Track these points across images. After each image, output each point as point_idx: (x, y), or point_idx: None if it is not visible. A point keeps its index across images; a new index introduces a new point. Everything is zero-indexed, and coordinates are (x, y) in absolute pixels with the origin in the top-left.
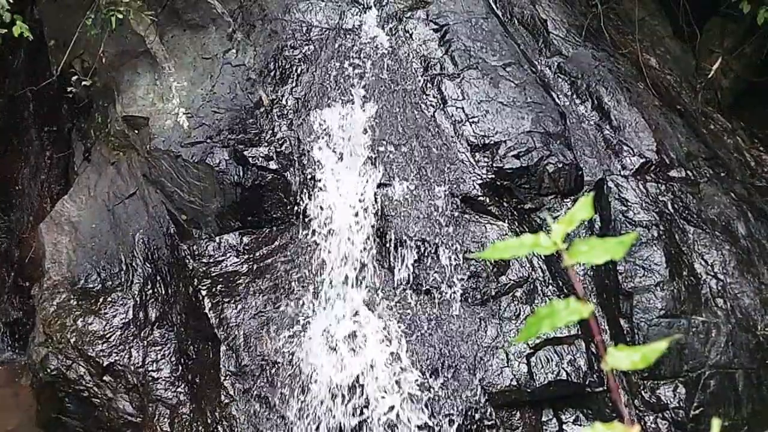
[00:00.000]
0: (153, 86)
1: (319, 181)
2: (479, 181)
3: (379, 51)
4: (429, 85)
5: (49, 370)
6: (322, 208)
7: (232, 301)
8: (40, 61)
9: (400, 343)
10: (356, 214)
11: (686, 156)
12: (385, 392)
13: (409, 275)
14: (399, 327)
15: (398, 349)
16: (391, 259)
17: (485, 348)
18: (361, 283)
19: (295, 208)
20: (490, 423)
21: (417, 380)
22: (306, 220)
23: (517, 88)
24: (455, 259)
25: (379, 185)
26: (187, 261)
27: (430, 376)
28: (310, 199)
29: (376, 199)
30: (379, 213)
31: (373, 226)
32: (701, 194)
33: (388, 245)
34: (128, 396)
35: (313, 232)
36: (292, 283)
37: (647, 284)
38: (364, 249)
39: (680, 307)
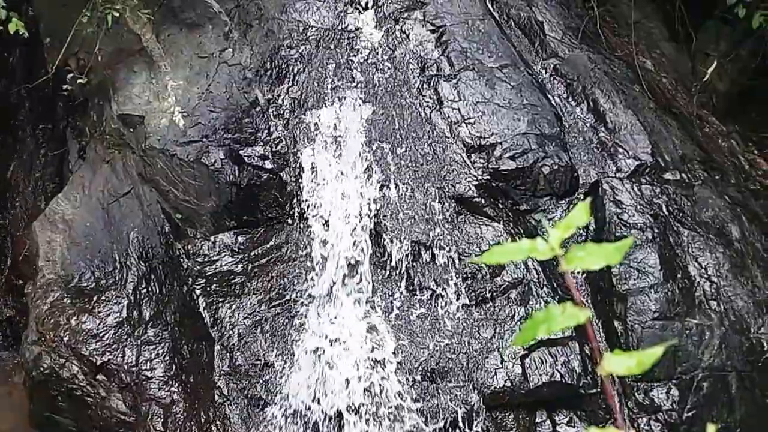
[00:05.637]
0: (149, 85)
1: (315, 181)
2: (475, 183)
3: (375, 52)
4: (425, 86)
5: (42, 369)
6: (317, 208)
7: (227, 301)
8: (35, 59)
9: (394, 344)
10: (352, 215)
11: (681, 159)
12: (378, 393)
13: (404, 276)
14: (393, 328)
15: (392, 350)
16: (386, 260)
17: (479, 349)
18: (355, 284)
19: (291, 208)
20: (483, 424)
21: (411, 381)
22: (301, 220)
23: (513, 89)
24: (450, 261)
25: (375, 186)
26: (182, 260)
27: (424, 378)
28: (305, 199)
29: (371, 199)
30: (375, 214)
31: (368, 227)
32: (696, 197)
33: (383, 246)
34: (121, 395)
35: (308, 232)
36: (287, 283)
37: (641, 286)
38: (359, 250)
39: (674, 309)
